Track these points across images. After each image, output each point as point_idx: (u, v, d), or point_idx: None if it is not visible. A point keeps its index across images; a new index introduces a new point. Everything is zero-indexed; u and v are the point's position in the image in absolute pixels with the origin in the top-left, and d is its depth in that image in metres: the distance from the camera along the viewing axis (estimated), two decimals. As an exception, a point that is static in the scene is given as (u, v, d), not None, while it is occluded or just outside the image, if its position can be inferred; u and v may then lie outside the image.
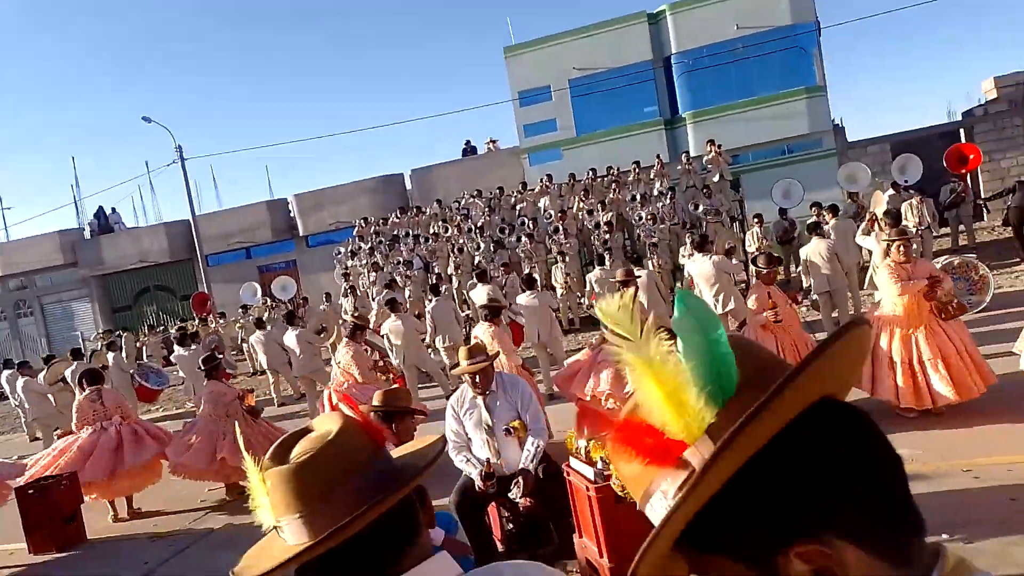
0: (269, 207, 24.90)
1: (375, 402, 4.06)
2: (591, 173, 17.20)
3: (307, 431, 1.20)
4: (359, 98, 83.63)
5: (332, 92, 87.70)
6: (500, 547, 4.56)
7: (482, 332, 7.48)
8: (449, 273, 16.08)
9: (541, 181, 17.58)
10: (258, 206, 25.03)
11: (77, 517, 6.14)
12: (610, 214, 15.38)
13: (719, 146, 15.96)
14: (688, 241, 12.58)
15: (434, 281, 15.27)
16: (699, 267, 9.75)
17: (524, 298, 9.67)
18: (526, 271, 15.37)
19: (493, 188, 19.16)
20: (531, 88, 21.06)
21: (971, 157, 15.71)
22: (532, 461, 4.44)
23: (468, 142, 22.86)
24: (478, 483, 4.36)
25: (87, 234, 28.20)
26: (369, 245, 18.20)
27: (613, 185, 16.34)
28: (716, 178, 15.71)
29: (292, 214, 24.98)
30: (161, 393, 13.61)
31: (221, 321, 18.62)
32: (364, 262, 17.20)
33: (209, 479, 7.33)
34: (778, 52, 19.42)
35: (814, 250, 10.10)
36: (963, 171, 15.83)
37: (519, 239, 15.45)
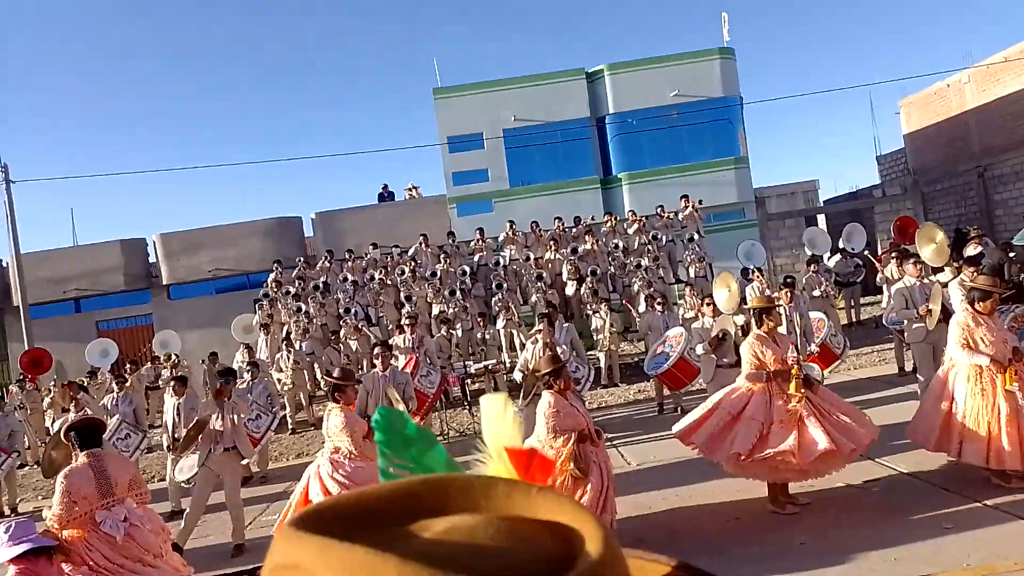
0: (123, 248, 20.52)
1: None
2: (559, 222, 15.98)
3: None
4: (232, 139, 72.14)
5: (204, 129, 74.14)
6: None
7: (333, 416, 5.74)
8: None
9: (511, 226, 15.98)
10: (108, 247, 20.53)
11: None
12: (594, 265, 14.22)
13: (700, 201, 15.58)
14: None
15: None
16: None
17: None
18: (501, 324, 13.65)
19: (414, 237, 17.25)
20: (462, 134, 19.63)
21: (911, 230, 16.87)
22: None
23: (385, 186, 20.65)
24: None
25: None
26: (294, 291, 15.26)
27: (587, 236, 15.22)
28: (695, 235, 15.23)
29: (152, 259, 20.80)
30: None
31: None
32: (300, 309, 14.29)
33: None
34: (708, 122, 19.91)
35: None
36: (907, 243, 16.92)
37: (498, 287, 13.76)
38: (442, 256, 15.38)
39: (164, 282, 20.36)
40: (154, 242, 20.57)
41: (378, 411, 1.35)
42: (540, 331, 8.30)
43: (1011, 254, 15.59)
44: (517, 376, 8.08)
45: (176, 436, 8.98)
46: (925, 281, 10.67)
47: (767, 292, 14.11)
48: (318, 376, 13.67)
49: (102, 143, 70.59)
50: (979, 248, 15.74)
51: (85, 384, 13.92)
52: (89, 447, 4.82)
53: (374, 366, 8.70)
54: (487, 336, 13.23)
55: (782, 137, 67.90)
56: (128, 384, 13.18)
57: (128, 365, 14.10)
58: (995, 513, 4.96)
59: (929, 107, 25.10)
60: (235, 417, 7.13)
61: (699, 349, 7.96)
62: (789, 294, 9.67)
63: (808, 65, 73.73)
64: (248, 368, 10.59)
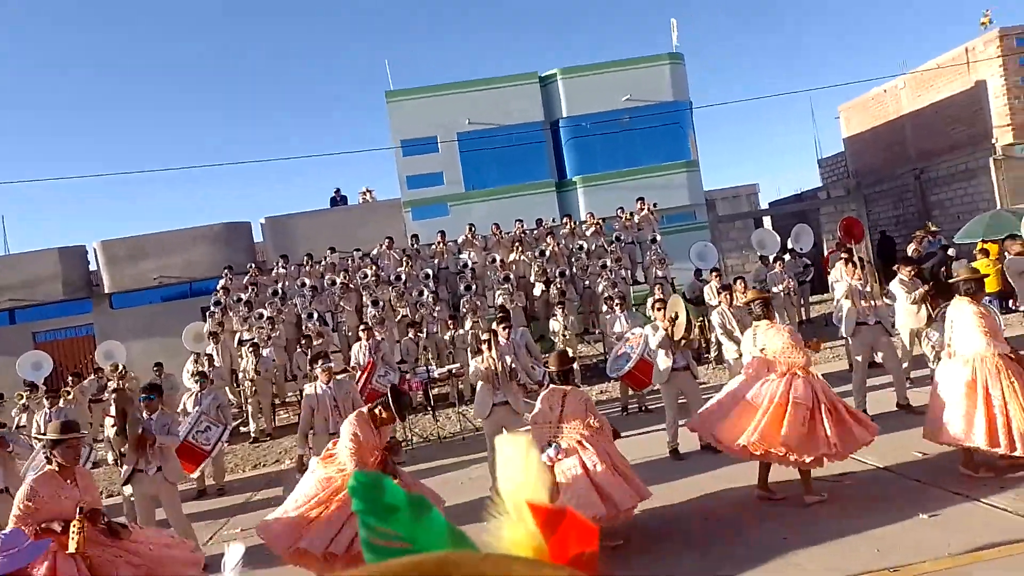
0: (61, 256, 19.66)
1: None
2: (520, 224, 15.95)
3: None
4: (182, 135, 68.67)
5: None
6: None
7: (349, 425, 5.25)
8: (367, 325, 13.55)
9: (471, 228, 15.85)
10: (44, 255, 19.64)
11: None
12: (561, 267, 14.25)
13: (655, 204, 15.74)
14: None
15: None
16: None
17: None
18: (469, 325, 13.53)
19: (375, 241, 17.01)
20: (416, 138, 19.44)
21: (856, 230, 17.38)
22: None
23: (338, 191, 20.28)
24: None
25: None
26: (246, 298, 14.84)
27: (549, 238, 15.23)
28: (653, 236, 15.37)
29: (93, 267, 19.98)
30: None
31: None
32: (258, 316, 13.89)
33: None
34: (660, 126, 20.16)
35: None
36: (852, 243, 17.41)
37: (467, 288, 13.63)
38: (405, 259, 15.19)
39: (106, 291, 19.58)
40: (94, 249, 19.78)
41: (354, 476, 1.10)
42: (489, 340, 8.02)
43: (950, 252, 16.26)
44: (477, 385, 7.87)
45: (122, 451, 8.60)
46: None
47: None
48: (275, 382, 13.33)
49: (33, 152, 67.76)
50: (915, 248, 16.34)
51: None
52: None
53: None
54: (455, 338, 13.11)
55: (726, 143, 69.50)
56: (72, 396, 12.64)
57: (70, 377, 13.47)
58: (968, 502, 5.10)
59: (867, 111, 25.99)
60: (161, 436, 6.83)
61: (661, 354, 7.97)
62: (728, 297, 9.74)
63: (750, 72, 75.70)
64: (197, 379, 10.20)
